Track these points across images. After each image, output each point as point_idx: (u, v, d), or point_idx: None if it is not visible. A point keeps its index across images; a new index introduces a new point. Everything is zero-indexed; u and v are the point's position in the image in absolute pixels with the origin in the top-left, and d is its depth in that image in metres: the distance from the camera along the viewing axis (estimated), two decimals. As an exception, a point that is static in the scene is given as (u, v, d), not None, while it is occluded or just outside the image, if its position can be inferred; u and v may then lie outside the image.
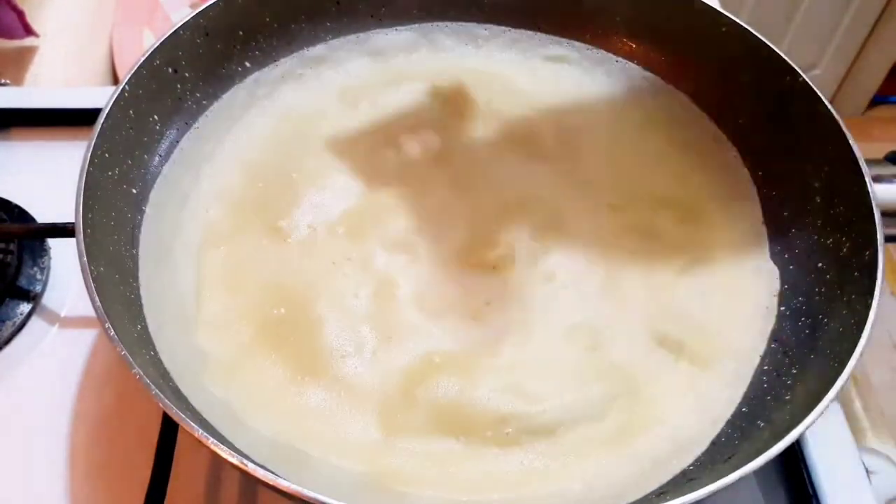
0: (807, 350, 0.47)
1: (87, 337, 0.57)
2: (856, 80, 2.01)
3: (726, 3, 0.69)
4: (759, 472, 0.52)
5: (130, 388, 0.54)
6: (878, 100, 2.11)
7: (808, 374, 0.45)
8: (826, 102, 0.52)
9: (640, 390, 0.47)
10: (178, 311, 0.48)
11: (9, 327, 0.57)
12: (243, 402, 0.44)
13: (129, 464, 0.51)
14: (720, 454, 0.44)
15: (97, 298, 0.40)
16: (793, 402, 0.44)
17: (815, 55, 1.91)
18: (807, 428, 0.39)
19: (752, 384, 0.48)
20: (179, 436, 0.50)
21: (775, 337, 0.50)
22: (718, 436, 0.45)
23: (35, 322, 0.58)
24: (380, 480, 0.43)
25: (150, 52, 0.52)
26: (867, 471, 0.52)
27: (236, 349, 0.47)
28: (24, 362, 0.56)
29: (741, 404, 0.47)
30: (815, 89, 0.53)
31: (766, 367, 0.48)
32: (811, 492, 0.51)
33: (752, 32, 0.56)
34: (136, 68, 0.51)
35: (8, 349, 0.57)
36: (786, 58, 0.55)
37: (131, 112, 0.51)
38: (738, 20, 0.57)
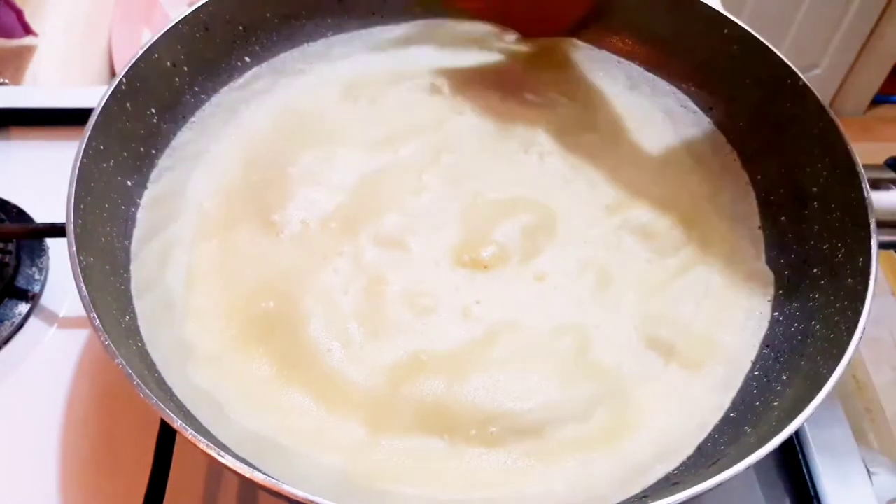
0: (798, 356, 0.47)
1: (85, 337, 0.57)
2: (856, 80, 2.00)
3: (727, 3, 0.68)
4: (759, 472, 0.52)
5: (128, 387, 0.54)
6: (878, 99, 2.09)
7: (797, 381, 0.45)
8: (826, 107, 0.52)
9: (628, 392, 0.47)
10: (168, 302, 0.48)
11: (7, 327, 0.57)
12: (228, 395, 0.45)
13: (128, 464, 0.51)
14: (706, 459, 0.44)
15: (84, 288, 0.40)
16: (781, 408, 0.43)
17: (816, 55, 1.90)
18: (791, 434, 0.38)
19: (741, 389, 0.47)
20: (178, 436, 0.50)
21: (767, 342, 0.49)
22: (705, 440, 0.45)
23: (33, 322, 0.58)
24: (362, 478, 0.43)
25: (148, 45, 0.53)
26: (867, 471, 0.52)
27: (223, 342, 0.47)
28: (23, 363, 0.56)
29: (730, 409, 0.46)
30: (816, 93, 0.53)
31: (756, 373, 0.48)
32: (811, 492, 0.51)
33: (752, 34, 0.56)
34: (133, 61, 0.52)
35: (6, 349, 0.57)
36: (786, 60, 0.54)
37: (128, 105, 0.51)
38: (738, 22, 0.57)
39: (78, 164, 0.46)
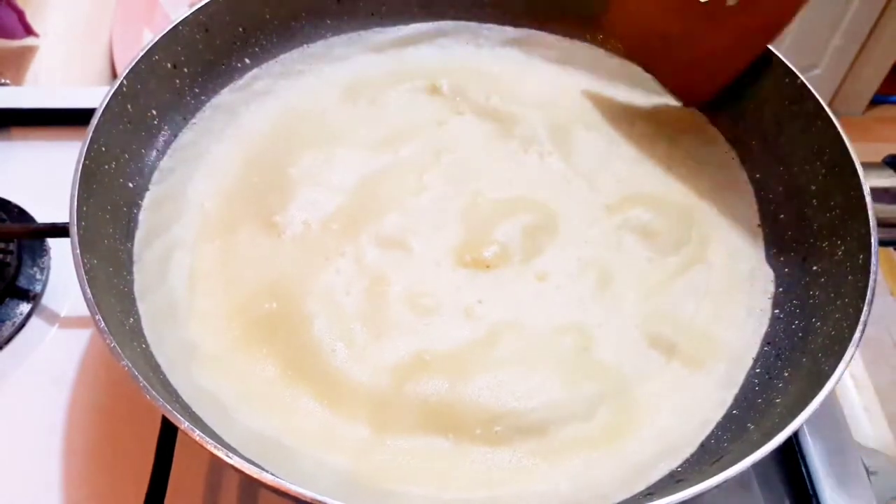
0: (799, 353, 0.47)
1: (86, 337, 0.57)
2: (856, 80, 2.00)
3: (726, 4, 0.68)
4: (759, 472, 0.52)
5: (130, 387, 0.54)
6: (878, 99, 2.10)
7: (799, 378, 0.45)
8: (825, 106, 0.52)
9: (631, 391, 0.47)
10: (171, 304, 0.48)
11: (8, 327, 0.57)
12: (232, 395, 0.45)
13: (129, 463, 0.51)
14: (709, 456, 0.44)
15: (88, 290, 0.40)
16: (783, 405, 0.44)
17: (815, 55, 1.90)
18: (794, 431, 0.38)
19: (743, 386, 0.48)
20: (179, 436, 0.50)
21: (768, 339, 0.49)
22: (708, 437, 0.45)
23: (35, 322, 0.58)
24: (367, 478, 0.43)
25: (149, 47, 0.53)
26: (866, 470, 0.52)
27: (227, 343, 0.47)
28: (24, 362, 0.56)
29: (732, 406, 0.47)
30: (815, 92, 0.53)
31: (757, 370, 0.48)
32: (811, 492, 0.51)
33: (751, 34, 0.56)
34: (134, 63, 0.52)
35: (8, 349, 0.57)
36: (785, 60, 0.55)
37: (129, 106, 0.51)
38: (737, 22, 0.57)
39: (80, 166, 0.46)
